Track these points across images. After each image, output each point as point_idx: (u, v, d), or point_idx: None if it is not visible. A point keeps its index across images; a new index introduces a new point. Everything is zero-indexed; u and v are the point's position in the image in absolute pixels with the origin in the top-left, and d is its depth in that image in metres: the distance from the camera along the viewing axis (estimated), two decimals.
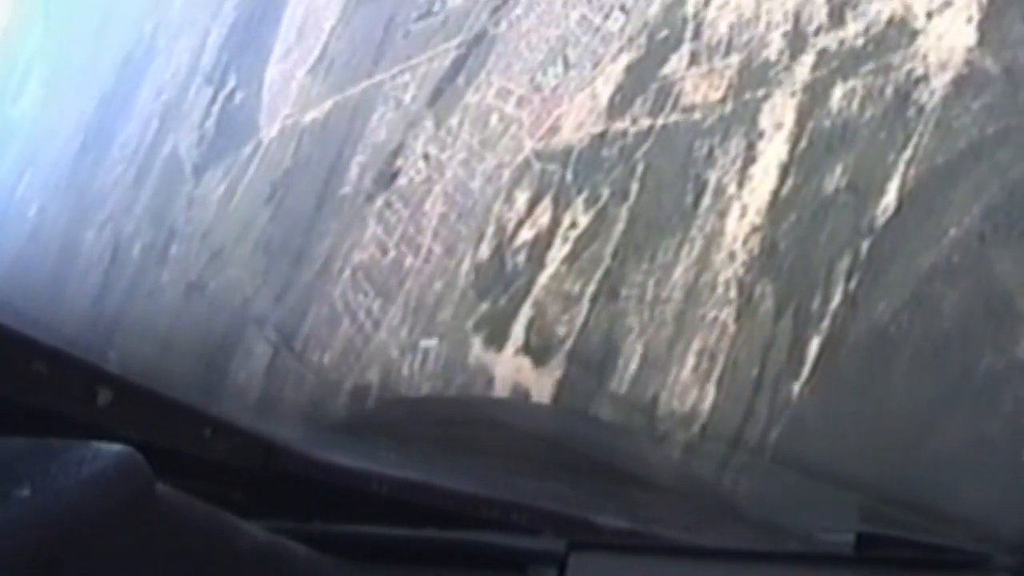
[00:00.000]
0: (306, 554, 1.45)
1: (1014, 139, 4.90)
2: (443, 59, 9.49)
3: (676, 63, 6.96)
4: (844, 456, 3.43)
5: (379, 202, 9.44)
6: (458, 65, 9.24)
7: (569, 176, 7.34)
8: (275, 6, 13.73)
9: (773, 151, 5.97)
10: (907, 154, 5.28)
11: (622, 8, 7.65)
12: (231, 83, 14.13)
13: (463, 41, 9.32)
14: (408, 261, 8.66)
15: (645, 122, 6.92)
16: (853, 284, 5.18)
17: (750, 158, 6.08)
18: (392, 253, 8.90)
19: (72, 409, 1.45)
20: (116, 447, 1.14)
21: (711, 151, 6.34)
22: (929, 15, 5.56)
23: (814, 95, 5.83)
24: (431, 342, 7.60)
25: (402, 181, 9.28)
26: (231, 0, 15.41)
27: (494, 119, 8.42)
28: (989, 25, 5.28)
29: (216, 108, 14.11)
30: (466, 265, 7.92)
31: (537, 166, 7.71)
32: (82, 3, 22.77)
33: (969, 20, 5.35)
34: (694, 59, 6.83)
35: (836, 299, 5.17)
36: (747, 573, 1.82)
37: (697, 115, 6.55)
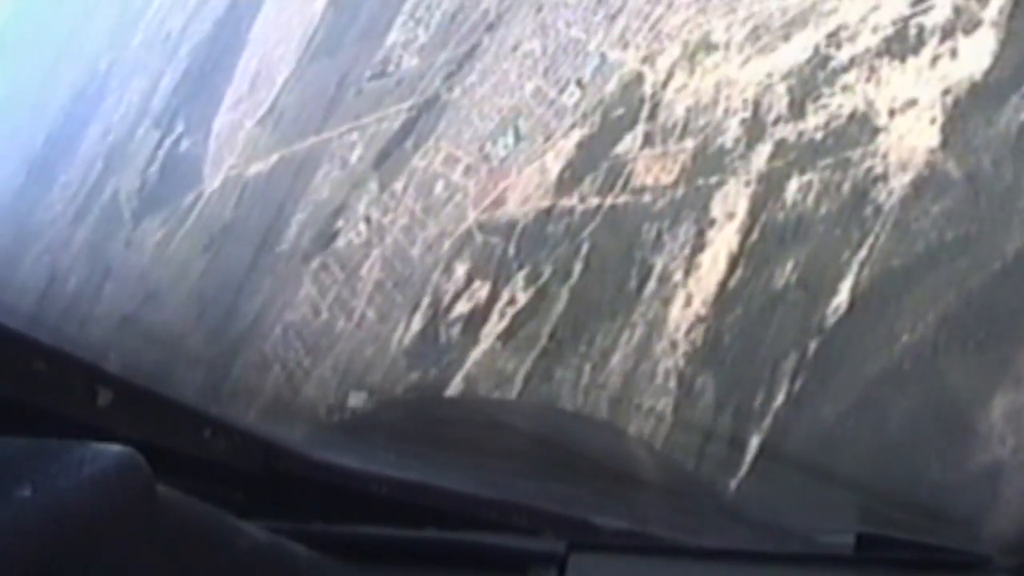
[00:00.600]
0: (306, 555, 1.42)
1: (974, 248, 4.65)
2: (393, 121, 9.23)
3: (630, 143, 6.72)
4: None
5: (315, 263, 9.11)
6: (408, 128, 8.98)
7: (511, 250, 7.05)
8: (230, 54, 13.51)
9: (723, 240, 5.70)
10: (862, 254, 5.03)
11: (578, 83, 7.42)
12: (179, 129, 13.80)
13: (415, 104, 9.07)
14: (340, 324, 8.31)
15: (593, 201, 6.65)
16: (798, 384, 4.91)
17: (699, 246, 5.82)
18: (325, 315, 8.55)
19: (72, 409, 1.41)
20: (116, 448, 1.11)
21: (659, 236, 6.07)
22: (892, 113, 5.35)
23: (769, 186, 5.60)
24: (360, 395, 7.29)
25: (340, 243, 8.96)
26: (187, 44, 15.18)
27: (439, 186, 8.14)
28: (952, 128, 5.07)
29: (161, 154, 13.77)
30: (399, 333, 7.57)
31: (479, 238, 7.42)
32: (39, 33, 22.44)
33: (932, 121, 5.14)
34: (648, 140, 6.60)
35: (779, 398, 4.89)
36: (747, 574, 1.80)
37: (647, 198, 6.29)
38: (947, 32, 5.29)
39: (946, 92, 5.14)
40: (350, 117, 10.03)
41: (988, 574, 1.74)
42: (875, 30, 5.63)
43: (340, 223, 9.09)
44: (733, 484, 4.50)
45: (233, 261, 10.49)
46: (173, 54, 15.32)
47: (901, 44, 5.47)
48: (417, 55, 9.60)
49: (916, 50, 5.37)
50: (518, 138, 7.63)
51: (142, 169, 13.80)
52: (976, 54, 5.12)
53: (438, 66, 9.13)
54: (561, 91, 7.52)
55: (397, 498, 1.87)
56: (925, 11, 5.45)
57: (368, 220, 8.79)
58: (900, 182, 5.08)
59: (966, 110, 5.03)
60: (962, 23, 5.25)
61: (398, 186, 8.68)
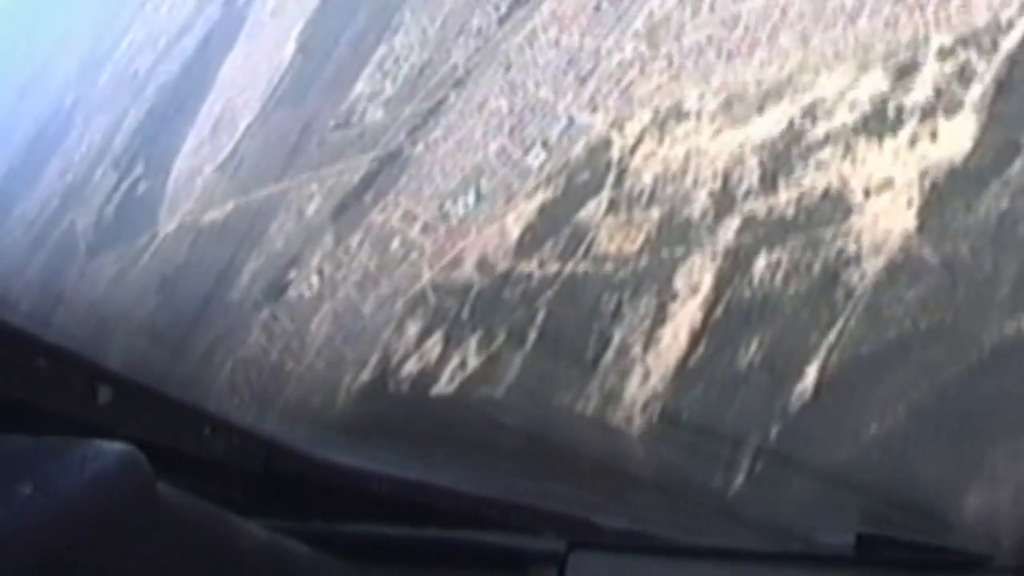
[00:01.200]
0: (306, 553, 1.41)
1: (949, 338, 4.38)
2: (354, 173, 8.92)
3: (593, 209, 6.44)
4: None
5: (265, 313, 8.76)
6: (368, 181, 8.66)
7: (465, 313, 6.73)
8: (196, 96, 13.22)
9: (686, 315, 5.40)
10: (831, 338, 4.74)
11: (544, 144, 7.15)
12: (137, 171, 13.47)
13: (377, 157, 8.76)
14: (289, 367, 7.97)
15: (553, 267, 6.35)
16: (758, 468, 4.59)
17: (660, 319, 5.51)
18: (274, 357, 8.21)
19: (73, 406, 1.39)
20: (118, 446, 1.10)
21: (619, 306, 5.76)
22: (867, 193, 5.09)
23: (736, 261, 5.33)
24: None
25: (292, 294, 8.63)
26: (153, 84, 14.90)
27: (395, 243, 7.82)
28: (930, 212, 4.81)
29: (118, 195, 13.42)
30: (345, 386, 7.22)
31: (433, 298, 7.10)
32: (8, 63, 22.07)
33: (909, 204, 4.89)
34: (613, 207, 6.33)
35: (738, 480, 4.57)
36: (747, 574, 1.78)
37: (609, 266, 5.99)
38: (927, 113, 5.07)
39: (924, 174, 4.89)
40: (310, 167, 9.72)
41: (988, 574, 1.73)
42: (852, 107, 5.40)
43: (292, 275, 8.73)
44: None
45: (184, 303, 10.14)
46: (139, 93, 15.01)
47: (879, 122, 5.23)
48: (383, 107, 9.32)
49: (894, 130, 5.14)
50: (479, 198, 7.33)
51: (99, 207, 13.45)
52: (956, 137, 4.89)
53: (403, 120, 8.85)
54: (526, 152, 7.24)
55: (397, 497, 1.84)
56: (905, 90, 5.23)
57: (321, 274, 8.44)
58: (873, 265, 4.81)
59: (944, 194, 4.78)
60: (943, 105, 5.03)
61: (354, 240, 8.35)
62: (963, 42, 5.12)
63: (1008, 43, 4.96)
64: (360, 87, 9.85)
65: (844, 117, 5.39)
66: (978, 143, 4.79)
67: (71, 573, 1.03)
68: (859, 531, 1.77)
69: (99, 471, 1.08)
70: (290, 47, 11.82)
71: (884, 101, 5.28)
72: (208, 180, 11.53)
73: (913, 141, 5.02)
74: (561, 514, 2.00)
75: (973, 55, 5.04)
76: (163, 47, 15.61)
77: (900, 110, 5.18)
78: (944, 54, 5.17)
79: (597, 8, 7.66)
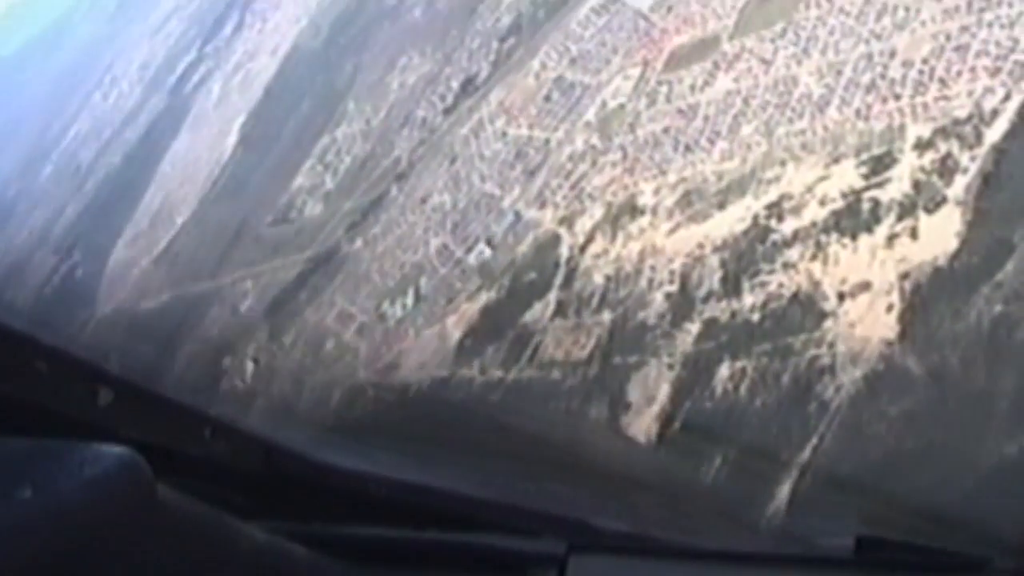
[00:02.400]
0: (306, 556, 1.41)
1: (940, 458, 3.79)
2: (289, 270, 8.32)
3: (540, 311, 5.85)
4: None
5: (199, 399, 8.15)
6: (303, 279, 8.05)
7: (400, 416, 6.11)
8: (136, 189, 12.76)
9: (640, 428, 4.77)
10: (804, 456, 4.14)
11: (489, 242, 6.58)
12: (75, 258, 12.97)
13: (313, 255, 8.18)
14: None
15: (496, 373, 5.72)
16: None
17: (612, 431, 4.89)
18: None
19: (73, 408, 1.39)
20: (118, 449, 1.11)
21: (568, 417, 5.14)
22: (841, 297, 4.53)
23: (696, 370, 4.74)
24: None
25: (225, 385, 8.03)
26: (95, 177, 14.45)
27: (330, 344, 7.20)
28: (913, 318, 4.25)
29: (56, 278, 12.89)
30: None
31: (371, 391, 6.47)
32: None
33: (889, 309, 4.33)
34: (561, 310, 5.74)
35: None
36: None
37: (556, 374, 5.37)
38: (906, 209, 4.57)
39: (905, 276, 4.36)
40: (246, 263, 9.12)
41: None
42: (823, 202, 4.90)
43: (227, 362, 8.10)
44: None
45: None
46: (80, 186, 14.57)
47: (853, 219, 4.74)
48: (322, 201, 8.77)
49: (870, 227, 4.64)
50: (418, 299, 6.72)
51: (38, 288, 12.93)
52: (940, 235, 4.39)
53: (342, 215, 8.29)
54: (469, 250, 6.67)
55: (397, 499, 1.82)
56: (880, 184, 4.73)
57: (256, 362, 7.80)
58: (850, 376, 4.24)
59: (929, 298, 4.24)
60: (923, 200, 4.53)
61: (287, 339, 7.70)
62: (943, 133, 4.66)
63: (993, 134, 4.49)
64: (300, 180, 9.31)
65: (814, 214, 4.89)
66: (964, 241, 4.31)
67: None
68: (859, 534, 1.72)
69: (99, 474, 1.07)
70: (232, 139, 11.36)
71: (858, 196, 4.78)
72: (144, 272, 11.01)
73: (891, 239, 4.50)
74: (561, 516, 1.96)
75: (955, 147, 4.57)
76: (107, 139, 15.15)
77: (876, 206, 4.68)
78: (922, 146, 4.70)
79: (547, 98, 7.21)
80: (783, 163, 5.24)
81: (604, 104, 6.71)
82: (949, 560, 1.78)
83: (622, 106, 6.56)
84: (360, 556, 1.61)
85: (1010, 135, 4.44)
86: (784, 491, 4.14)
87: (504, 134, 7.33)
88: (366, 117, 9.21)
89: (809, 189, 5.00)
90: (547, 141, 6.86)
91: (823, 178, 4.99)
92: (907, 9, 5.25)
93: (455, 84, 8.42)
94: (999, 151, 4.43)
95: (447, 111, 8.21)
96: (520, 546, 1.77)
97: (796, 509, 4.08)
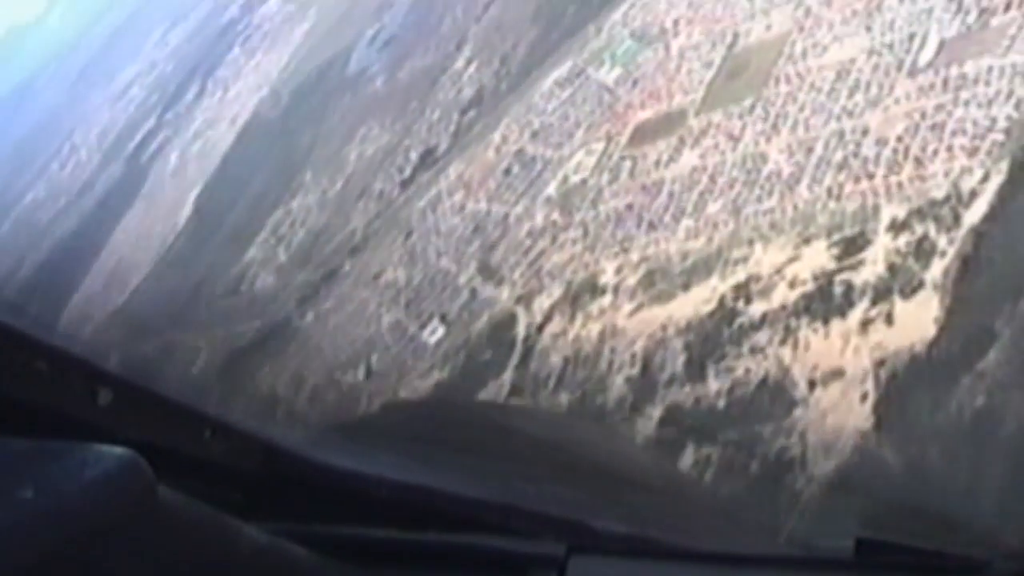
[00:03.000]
0: (306, 556, 1.42)
1: None
2: (238, 340, 8.00)
3: (494, 391, 5.53)
4: None
5: None
6: (255, 346, 7.74)
7: None
8: (90, 250, 12.58)
9: None
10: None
11: (443, 318, 6.26)
12: (30, 312, 12.65)
13: (264, 326, 7.85)
14: None
15: None
16: None
17: None
18: None
19: (73, 408, 1.37)
20: (118, 450, 1.11)
21: None
22: (812, 384, 4.24)
23: (658, 456, 4.45)
24: None
25: None
26: (51, 238, 14.27)
27: (280, 413, 6.87)
28: (889, 408, 3.97)
29: None
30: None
31: None
32: None
33: (863, 398, 4.04)
34: (516, 390, 5.41)
35: None
36: None
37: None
38: (881, 293, 4.34)
39: (880, 364, 4.10)
40: (197, 327, 8.82)
41: None
42: (793, 284, 4.65)
43: None
44: None
45: None
46: (36, 245, 14.23)
47: (824, 303, 4.50)
48: (274, 274, 8.45)
49: (843, 311, 4.41)
50: (369, 373, 6.39)
51: None
52: (917, 321, 4.16)
53: (293, 288, 7.97)
54: (423, 326, 6.37)
55: (398, 500, 1.81)
56: (854, 266, 4.49)
57: None
58: (823, 468, 3.93)
59: (906, 388, 3.97)
60: (899, 283, 4.30)
61: (238, 402, 7.36)
62: (919, 214, 4.43)
63: (972, 215, 4.28)
64: (252, 252, 9.02)
65: (783, 296, 4.63)
66: (943, 328, 4.04)
67: None
68: (859, 536, 1.67)
69: (100, 476, 1.07)
70: (187, 210, 11.13)
71: (829, 278, 4.54)
72: (96, 329, 10.67)
73: (865, 325, 4.25)
74: (561, 517, 1.94)
75: (932, 228, 4.34)
76: (64, 204, 14.95)
77: (849, 289, 4.43)
78: (897, 227, 4.47)
79: (507, 172, 6.99)
80: (751, 243, 5.00)
81: (566, 179, 6.51)
82: (949, 562, 1.75)
83: (584, 181, 6.36)
84: (360, 556, 1.62)
85: (990, 217, 4.22)
86: None
87: (462, 208, 7.10)
88: (322, 188, 9.04)
89: (778, 270, 4.75)
90: (506, 216, 6.63)
91: (793, 259, 4.75)
92: (880, 86, 5.07)
93: (414, 156, 8.23)
94: (978, 234, 4.21)
95: (405, 184, 8.04)
96: (520, 547, 1.77)
97: None
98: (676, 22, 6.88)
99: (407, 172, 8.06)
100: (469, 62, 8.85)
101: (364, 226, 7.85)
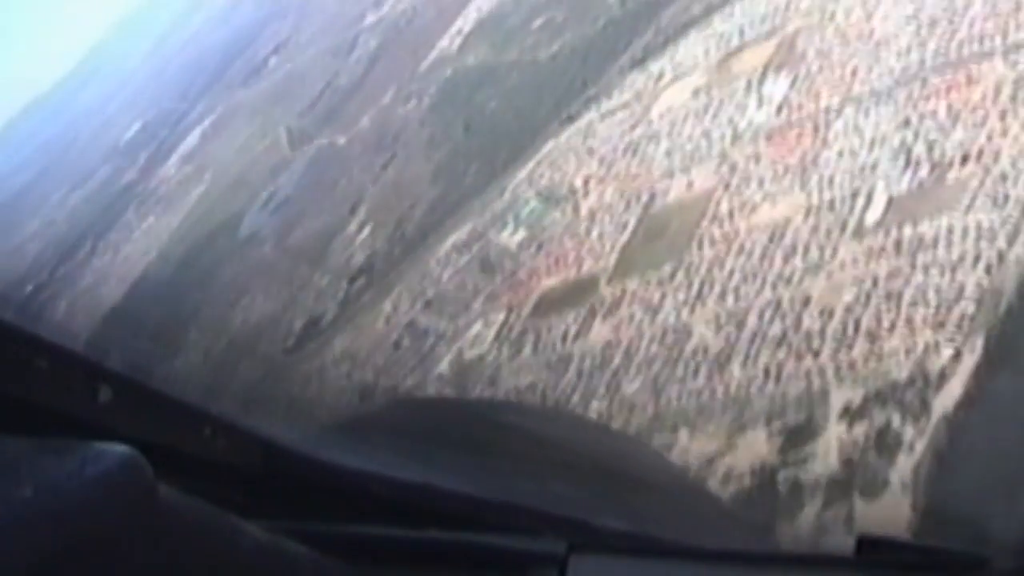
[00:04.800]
0: (307, 555, 1.41)
1: None
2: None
3: None
4: None
5: None
6: None
7: None
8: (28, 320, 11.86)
9: None
10: None
11: None
12: None
13: None
14: None
15: None
16: None
17: None
18: None
19: (72, 406, 1.32)
20: (119, 448, 1.09)
21: None
22: None
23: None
24: None
25: None
26: None
27: None
28: None
29: None
30: None
31: None
32: None
33: None
34: None
35: None
36: None
37: None
38: (836, 493, 3.73)
39: None
40: None
41: None
42: (727, 480, 4.10)
43: None
44: None
45: None
46: None
47: (767, 502, 3.82)
48: None
49: (790, 513, 3.79)
50: None
51: None
52: (882, 526, 3.64)
53: None
54: None
55: (397, 498, 1.76)
56: (801, 460, 3.83)
57: None
58: None
59: None
60: (859, 482, 3.69)
61: None
62: (878, 399, 3.78)
63: (943, 401, 3.57)
64: None
65: (715, 492, 3.90)
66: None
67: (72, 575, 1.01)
68: (859, 533, 1.64)
69: (100, 474, 1.06)
70: None
71: (772, 474, 3.78)
72: None
73: (820, 530, 3.53)
74: (561, 515, 1.84)
75: (895, 416, 3.65)
76: None
77: (796, 487, 3.67)
78: (852, 414, 3.81)
79: (396, 345, 6.29)
80: (675, 429, 4.32)
81: (461, 354, 5.89)
82: (949, 560, 1.69)
83: (481, 357, 5.74)
84: (360, 556, 1.55)
85: (965, 403, 3.50)
86: None
87: (348, 380, 6.42)
88: (204, 349, 8.48)
89: (709, 462, 4.03)
90: (394, 391, 5.90)
91: (726, 450, 4.05)
92: (821, 249, 4.44)
93: (298, 325, 7.54)
94: (951, 423, 3.49)
95: (288, 352, 7.43)
96: (520, 545, 1.71)
97: None
98: (587, 181, 6.38)
99: (290, 342, 7.49)
100: (363, 225, 8.38)
101: (246, 390, 7.13)
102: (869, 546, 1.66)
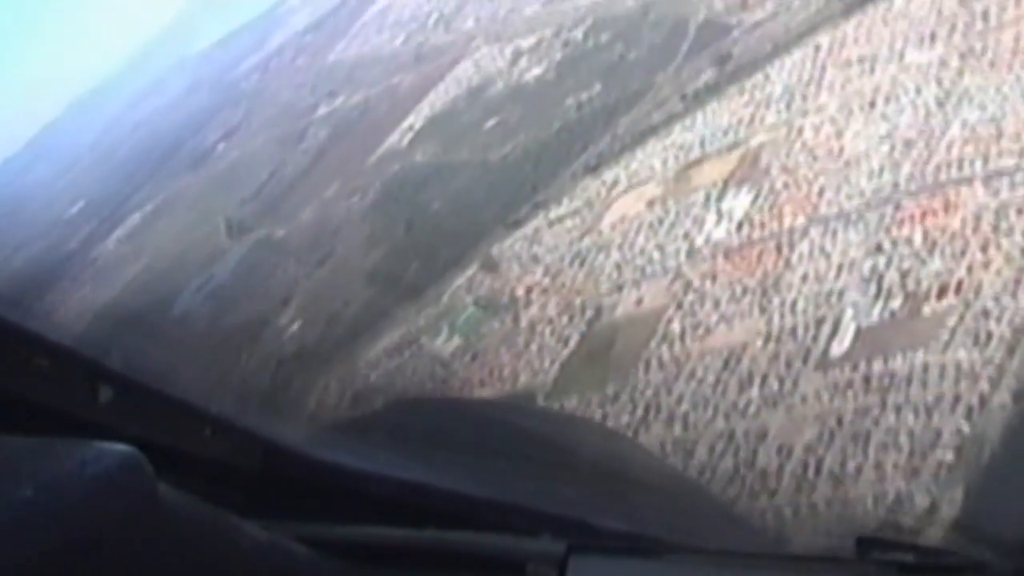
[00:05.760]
0: (306, 555, 1.44)
1: None
2: None
3: None
4: None
5: None
6: None
7: None
8: None
9: None
10: None
11: None
12: None
13: None
14: None
15: None
16: None
17: None
18: None
19: (73, 405, 1.37)
20: (119, 448, 1.10)
21: None
22: None
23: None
24: None
25: None
26: None
27: None
28: None
29: None
30: None
31: None
32: None
33: None
34: None
35: None
36: None
37: None
38: None
39: None
40: None
41: None
42: None
43: None
44: None
45: None
46: None
47: None
48: None
49: None
50: None
51: None
52: None
53: None
54: None
55: (397, 498, 1.77)
56: None
57: None
58: None
59: None
60: None
61: None
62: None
63: None
64: None
65: None
66: None
67: (73, 575, 1.01)
68: (859, 534, 1.54)
69: (101, 474, 1.06)
70: None
71: None
72: None
73: None
74: (561, 516, 1.79)
75: None
76: None
77: None
78: None
79: None
80: None
81: None
82: (949, 560, 1.60)
83: None
84: (360, 555, 1.57)
85: None
86: None
87: None
88: None
89: None
90: None
91: None
92: (781, 380, 4.07)
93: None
94: None
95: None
96: (519, 546, 1.66)
97: None
98: (529, 290, 6.07)
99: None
100: (293, 320, 8.08)
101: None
102: (868, 546, 1.59)
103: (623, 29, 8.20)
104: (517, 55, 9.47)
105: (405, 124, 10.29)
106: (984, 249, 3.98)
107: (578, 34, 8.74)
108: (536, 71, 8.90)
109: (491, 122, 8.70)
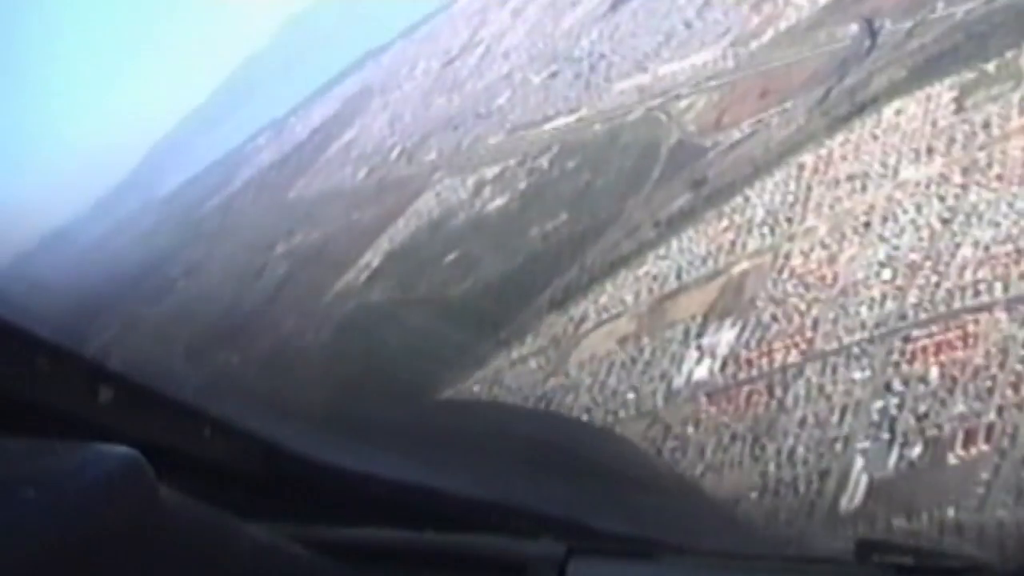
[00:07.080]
0: (305, 556, 1.43)
1: None
2: None
3: None
4: None
5: None
6: None
7: None
8: None
9: None
10: None
11: None
12: None
13: None
14: None
15: None
16: None
17: None
18: None
19: (73, 406, 1.40)
20: (121, 450, 1.12)
21: None
22: None
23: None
24: None
25: None
26: None
27: None
28: None
29: None
30: None
31: None
32: None
33: None
34: None
35: None
36: None
37: None
38: None
39: None
40: None
41: None
42: None
43: None
44: None
45: None
46: None
47: None
48: None
49: None
50: None
51: None
52: None
53: None
54: None
55: (397, 500, 1.85)
56: None
57: None
58: None
59: None
60: None
61: None
62: None
63: None
64: None
65: None
66: None
67: None
68: (859, 536, 1.00)
69: (102, 475, 1.06)
70: None
71: None
72: None
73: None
74: (561, 517, 1.93)
75: None
76: None
77: None
78: None
79: None
80: None
81: None
82: (949, 562, 1.69)
83: None
84: (361, 558, 1.59)
85: None
86: None
87: None
88: None
89: None
90: None
91: None
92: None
93: None
94: None
95: None
96: (520, 548, 1.74)
97: None
98: None
99: None
100: None
101: None
102: (868, 548, 1.69)
103: (591, 155, 7.94)
104: (480, 185, 9.25)
105: (362, 261, 9.95)
106: (1016, 388, 3.45)
107: (543, 162, 8.51)
108: (499, 201, 8.65)
109: (451, 256, 8.39)
